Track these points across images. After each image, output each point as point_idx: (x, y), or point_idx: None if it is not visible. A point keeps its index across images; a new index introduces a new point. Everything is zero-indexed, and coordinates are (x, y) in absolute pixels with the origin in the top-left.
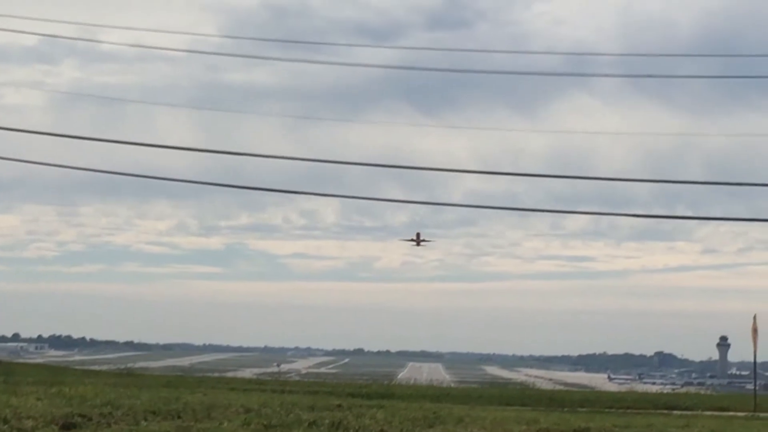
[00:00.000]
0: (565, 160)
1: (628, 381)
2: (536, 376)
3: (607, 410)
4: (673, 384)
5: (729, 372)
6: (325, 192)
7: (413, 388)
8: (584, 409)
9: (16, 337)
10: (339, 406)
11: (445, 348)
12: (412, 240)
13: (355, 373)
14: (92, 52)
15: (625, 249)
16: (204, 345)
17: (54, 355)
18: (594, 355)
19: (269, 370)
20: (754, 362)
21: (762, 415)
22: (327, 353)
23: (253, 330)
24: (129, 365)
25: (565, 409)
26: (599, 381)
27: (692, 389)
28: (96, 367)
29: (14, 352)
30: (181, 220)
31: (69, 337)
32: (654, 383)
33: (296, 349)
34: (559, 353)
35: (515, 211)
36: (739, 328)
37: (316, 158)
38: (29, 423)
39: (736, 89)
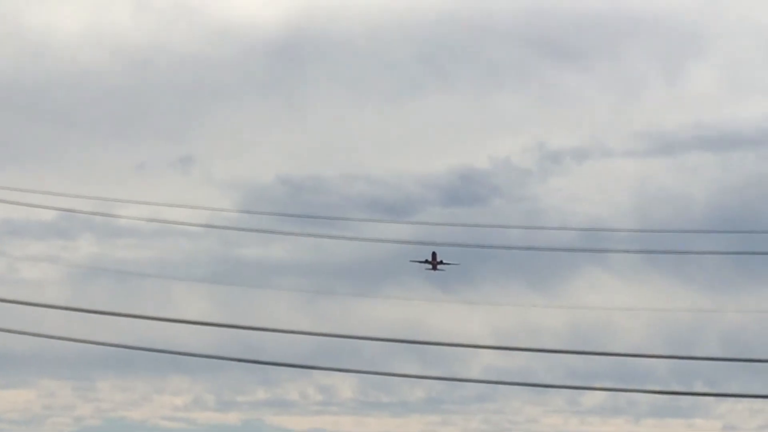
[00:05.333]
0: (583, 335)
1: None
2: None
3: None
4: None
5: None
6: (342, 367)
7: None
8: None
9: None
10: None
11: None
12: (428, 262)
13: None
14: (109, 227)
15: (645, 426)
16: None
17: None
18: None
19: None
20: None
21: None
22: None
23: None
24: None
25: None
26: None
27: None
28: None
29: None
30: (198, 395)
31: None
32: None
33: None
34: None
35: (533, 387)
36: None
37: (332, 333)
38: None
39: (752, 265)
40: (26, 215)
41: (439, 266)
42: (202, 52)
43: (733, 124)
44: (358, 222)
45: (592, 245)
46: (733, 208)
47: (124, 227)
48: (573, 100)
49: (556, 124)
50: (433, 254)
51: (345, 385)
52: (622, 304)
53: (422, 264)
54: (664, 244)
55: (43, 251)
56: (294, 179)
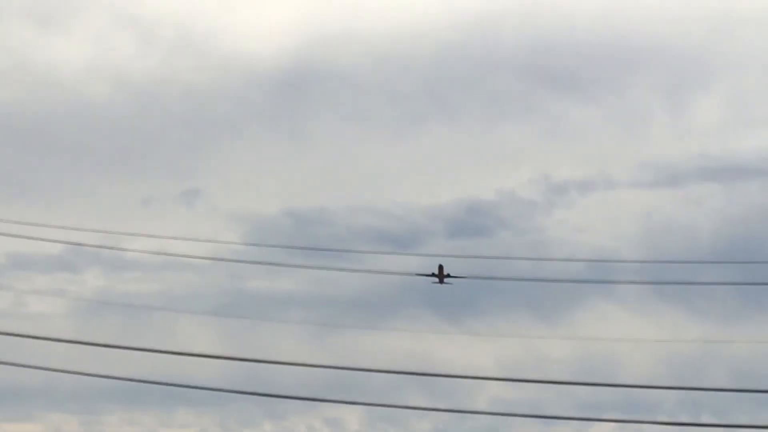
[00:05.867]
0: (590, 366)
1: None
2: None
3: None
4: None
5: None
6: (349, 400)
7: None
8: None
9: None
10: None
11: None
12: (434, 275)
13: None
14: (115, 260)
15: None
16: None
17: None
18: None
19: None
20: None
21: None
22: None
23: None
24: None
25: None
26: None
27: None
28: None
29: None
30: (205, 429)
31: None
32: None
33: None
34: None
35: (540, 418)
36: None
37: (339, 365)
38: None
39: (759, 295)
40: (32, 249)
41: (446, 279)
42: (206, 84)
43: (739, 154)
44: (365, 254)
45: (598, 276)
46: (739, 239)
47: (131, 260)
48: (578, 131)
49: (562, 156)
50: (440, 267)
51: (352, 418)
52: (629, 335)
53: (428, 278)
54: (670, 274)
55: (49, 284)
56: (299, 211)
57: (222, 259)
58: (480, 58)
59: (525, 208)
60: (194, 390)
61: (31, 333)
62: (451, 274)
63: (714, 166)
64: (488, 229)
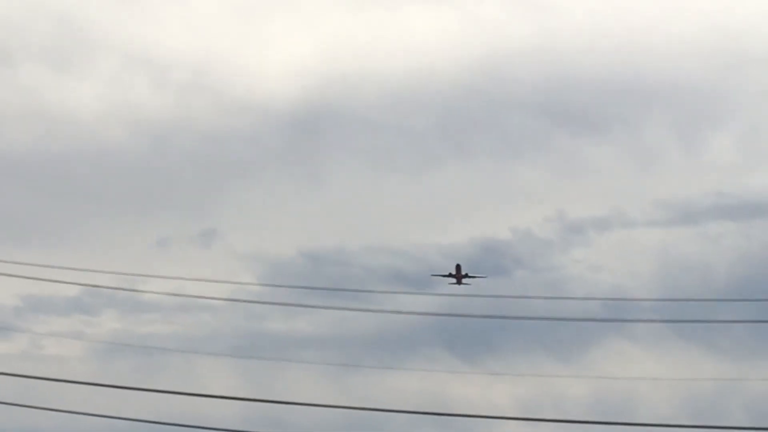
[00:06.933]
0: (607, 405)
1: None
2: None
3: None
4: None
5: None
6: None
7: None
8: None
9: None
10: None
11: None
12: (451, 276)
13: None
14: (132, 302)
15: None
16: None
17: None
18: None
19: None
20: None
21: None
22: None
23: None
24: None
25: None
26: None
27: None
28: None
29: None
30: None
31: None
32: None
33: None
34: None
35: None
36: None
37: (356, 406)
38: None
39: None
40: (49, 291)
41: (464, 280)
42: (221, 126)
43: (754, 192)
44: (381, 294)
45: (615, 315)
46: (755, 276)
47: (147, 302)
48: (593, 169)
49: (577, 194)
50: (458, 267)
51: None
52: (646, 373)
53: (445, 278)
54: (687, 313)
55: (66, 327)
56: (316, 252)
57: (239, 300)
58: (494, 97)
59: (541, 247)
60: (212, 431)
61: (48, 375)
62: (470, 274)
63: (729, 203)
64: (505, 268)
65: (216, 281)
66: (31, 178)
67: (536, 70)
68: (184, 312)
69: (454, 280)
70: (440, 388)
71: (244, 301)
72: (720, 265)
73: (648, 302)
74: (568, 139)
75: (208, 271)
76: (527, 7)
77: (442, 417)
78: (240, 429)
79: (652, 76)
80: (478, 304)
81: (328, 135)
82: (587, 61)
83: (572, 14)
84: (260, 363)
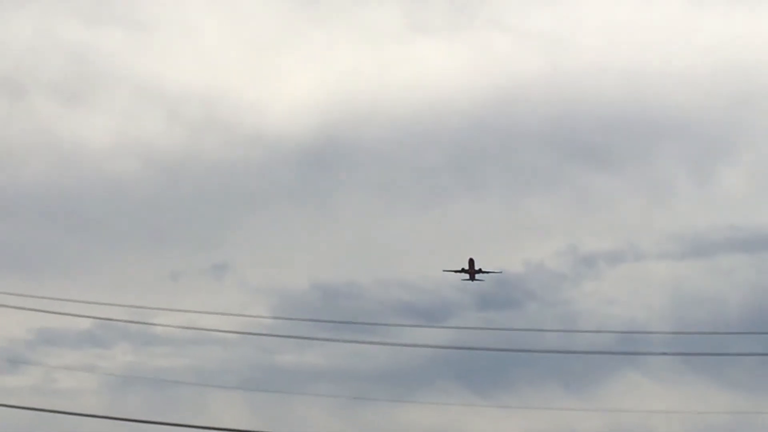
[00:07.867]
0: None
1: None
2: None
3: None
4: None
5: None
6: None
7: None
8: None
9: None
10: None
11: None
12: (464, 271)
13: None
14: (145, 335)
15: None
16: None
17: None
18: None
19: None
20: None
21: None
22: None
23: None
24: None
25: None
26: None
27: None
28: None
29: None
30: None
31: None
32: None
33: None
34: None
35: None
36: None
37: None
38: None
39: None
40: (62, 324)
41: (477, 275)
42: (233, 160)
43: (766, 225)
44: (394, 327)
45: (627, 348)
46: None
47: (160, 335)
48: (605, 203)
49: (589, 227)
50: (471, 261)
51: None
52: (659, 406)
53: (458, 274)
54: (699, 345)
55: (79, 360)
56: (328, 285)
57: (251, 333)
58: (505, 131)
59: (553, 280)
60: None
61: (62, 408)
62: (483, 269)
63: (742, 236)
64: (517, 301)
65: (228, 314)
66: (44, 211)
67: (548, 105)
68: (197, 345)
69: (467, 276)
70: (452, 422)
71: (256, 334)
72: (732, 297)
73: (660, 335)
74: (580, 173)
75: (221, 304)
76: (539, 43)
77: None
78: None
79: (664, 110)
80: (492, 337)
81: (339, 169)
82: (599, 96)
83: (584, 50)
84: (272, 396)
